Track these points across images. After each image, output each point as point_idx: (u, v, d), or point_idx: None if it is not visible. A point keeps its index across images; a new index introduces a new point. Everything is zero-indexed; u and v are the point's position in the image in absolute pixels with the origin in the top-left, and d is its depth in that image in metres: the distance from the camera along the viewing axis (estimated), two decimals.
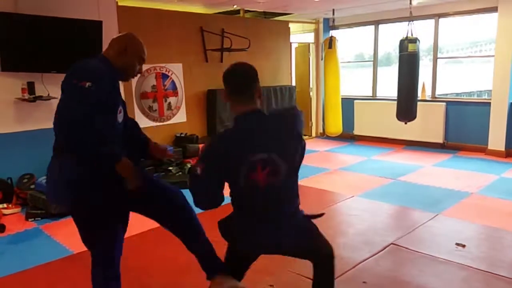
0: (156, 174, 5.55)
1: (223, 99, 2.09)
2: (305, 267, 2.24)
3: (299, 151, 2.02)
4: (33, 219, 4.22)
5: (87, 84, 1.82)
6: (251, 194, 1.95)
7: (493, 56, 6.63)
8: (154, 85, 6.23)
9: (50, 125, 5.35)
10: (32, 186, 4.62)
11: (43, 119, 4.92)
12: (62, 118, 1.85)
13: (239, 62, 2.03)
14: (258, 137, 1.92)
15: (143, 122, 6.02)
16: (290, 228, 1.99)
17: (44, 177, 4.60)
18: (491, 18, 6.68)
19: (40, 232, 3.95)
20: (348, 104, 8.23)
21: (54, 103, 4.91)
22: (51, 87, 4.84)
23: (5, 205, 4.44)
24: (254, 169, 1.89)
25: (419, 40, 6.45)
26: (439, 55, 7.39)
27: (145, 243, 3.54)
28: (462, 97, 9.75)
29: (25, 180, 4.72)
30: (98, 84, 1.88)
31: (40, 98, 4.78)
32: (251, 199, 1.97)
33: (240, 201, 2.01)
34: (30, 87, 4.74)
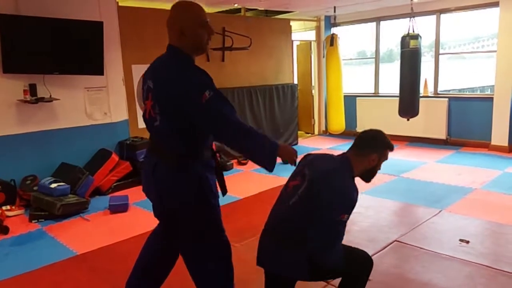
0: None
1: None
2: None
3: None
4: (36, 221, 4.23)
5: (206, 93, 1.83)
6: None
7: (495, 51, 6.61)
8: None
9: (52, 126, 5.31)
10: (35, 188, 4.61)
11: (45, 120, 4.94)
12: (221, 124, 1.86)
13: (374, 130, 2.20)
14: None
15: None
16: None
17: (48, 178, 4.61)
18: (493, 13, 6.65)
19: (43, 234, 3.95)
20: (350, 101, 8.22)
21: (56, 104, 4.94)
22: (53, 88, 4.82)
23: (8, 207, 4.44)
24: None
25: (420, 36, 6.43)
26: (441, 51, 7.37)
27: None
28: (464, 92, 9.71)
29: (28, 182, 4.73)
30: (212, 86, 1.88)
31: (42, 99, 4.78)
32: None
33: None
34: (32, 89, 4.74)
